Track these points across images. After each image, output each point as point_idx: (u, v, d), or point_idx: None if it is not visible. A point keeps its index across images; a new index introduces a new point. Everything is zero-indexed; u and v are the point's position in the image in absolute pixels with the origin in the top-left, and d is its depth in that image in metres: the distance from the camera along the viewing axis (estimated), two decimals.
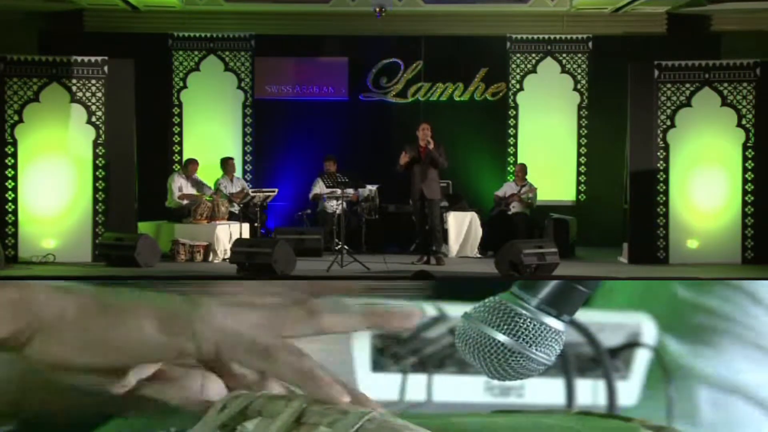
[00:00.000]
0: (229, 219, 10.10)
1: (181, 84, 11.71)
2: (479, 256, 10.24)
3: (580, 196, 11.82)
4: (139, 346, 1.61)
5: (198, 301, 1.67)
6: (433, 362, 2.61)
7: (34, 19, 11.29)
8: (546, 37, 11.72)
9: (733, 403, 2.97)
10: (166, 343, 1.60)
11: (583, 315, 2.53)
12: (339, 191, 9.77)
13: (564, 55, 11.75)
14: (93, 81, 9.72)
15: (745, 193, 9.78)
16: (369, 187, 10.69)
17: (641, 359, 2.78)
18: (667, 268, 9.47)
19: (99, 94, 9.72)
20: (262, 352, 1.59)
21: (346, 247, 9.11)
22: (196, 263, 9.51)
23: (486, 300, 1.65)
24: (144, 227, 9.98)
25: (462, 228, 10.33)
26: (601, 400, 2.63)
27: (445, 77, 11.76)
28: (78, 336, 1.61)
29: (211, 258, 9.65)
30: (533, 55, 11.78)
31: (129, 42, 11.06)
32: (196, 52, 11.70)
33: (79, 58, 9.73)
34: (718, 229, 9.75)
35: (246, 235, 9.68)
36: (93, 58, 9.74)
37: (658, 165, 9.83)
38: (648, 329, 2.76)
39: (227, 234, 9.79)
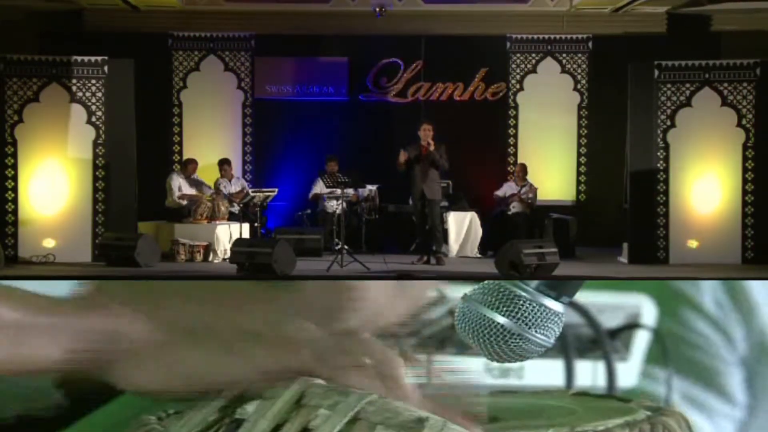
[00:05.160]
0: (229, 219, 10.10)
1: (181, 84, 11.72)
2: (479, 256, 10.23)
3: (580, 196, 11.81)
4: (238, 368, 1.57)
5: (289, 321, 1.65)
6: (433, 343, 2.60)
7: (34, 19, 11.28)
8: (546, 37, 11.73)
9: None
10: (272, 368, 1.57)
11: (582, 296, 2.53)
12: (339, 191, 9.77)
13: (564, 55, 11.76)
14: (93, 81, 9.72)
15: (745, 193, 9.76)
16: (369, 187, 10.69)
17: (640, 340, 2.78)
18: (667, 268, 9.47)
19: (99, 94, 9.71)
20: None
21: (346, 247, 9.10)
22: (196, 263, 9.50)
23: (485, 282, 1.65)
24: (144, 227, 9.96)
25: (462, 228, 10.33)
26: (600, 381, 2.62)
27: (445, 77, 11.76)
28: (169, 364, 1.57)
29: (211, 258, 9.65)
30: (533, 55, 11.79)
31: (129, 42, 11.05)
32: (196, 52, 11.70)
33: (79, 58, 9.72)
34: (718, 229, 9.74)
35: (246, 235, 9.68)
36: (93, 58, 9.73)
37: (658, 165, 9.83)
38: (647, 311, 2.76)
39: (227, 234, 9.79)
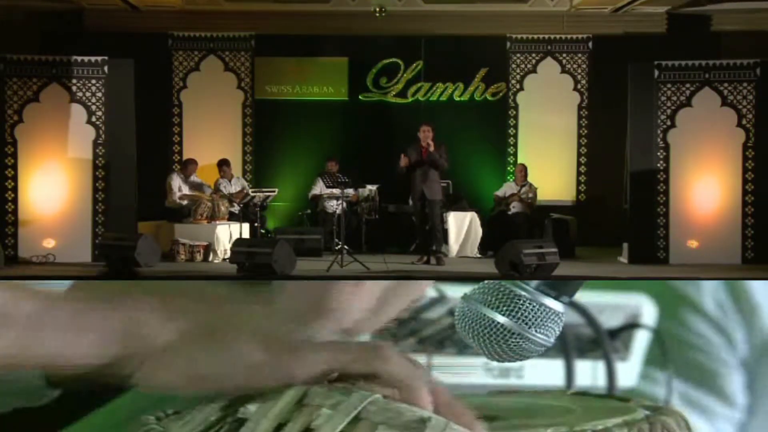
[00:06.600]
0: (229, 219, 10.10)
1: (181, 84, 11.72)
2: (479, 256, 10.23)
3: (580, 196, 11.81)
4: (250, 372, 1.55)
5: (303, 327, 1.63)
6: (433, 343, 2.60)
7: (34, 19, 11.29)
8: (546, 37, 11.73)
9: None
10: (275, 368, 1.55)
11: (582, 296, 2.53)
12: (339, 191, 9.77)
13: (564, 55, 11.76)
14: (93, 81, 9.72)
15: (745, 193, 9.76)
16: (369, 187, 10.69)
17: (640, 340, 2.78)
18: (667, 268, 9.46)
19: (99, 94, 9.71)
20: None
21: (346, 247, 9.10)
22: (196, 263, 9.49)
23: (485, 281, 1.65)
24: (144, 227, 9.96)
25: (462, 228, 10.32)
26: (600, 381, 2.62)
27: (445, 77, 11.76)
28: (187, 365, 1.55)
29: (211, 258, 9.64)
30: (533, 55, 11.79)
31: (129, 42, 11.05)
32: (196, 52, 11.70)
33: (79, 58, 9.72)
34: (718, 229, 9.74)
35: (246, 235, 9.68)
36: (93, 58, 9.73)
37: (658, 165, 9.83)
38: (647, 311, 2.76)
39: (227, 234, 9.79)
